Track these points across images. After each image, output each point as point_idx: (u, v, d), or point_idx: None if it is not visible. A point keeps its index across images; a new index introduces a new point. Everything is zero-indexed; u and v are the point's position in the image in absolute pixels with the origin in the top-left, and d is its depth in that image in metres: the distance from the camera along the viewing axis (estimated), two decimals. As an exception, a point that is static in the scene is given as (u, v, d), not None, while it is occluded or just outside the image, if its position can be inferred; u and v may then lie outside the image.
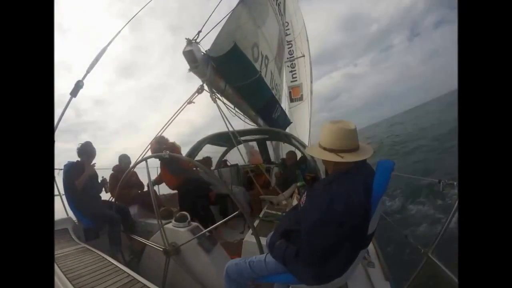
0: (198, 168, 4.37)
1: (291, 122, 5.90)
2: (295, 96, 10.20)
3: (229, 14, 2.85)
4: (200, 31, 2.39)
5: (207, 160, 4.82)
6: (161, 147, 3.24)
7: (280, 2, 5.05)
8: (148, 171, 2.25)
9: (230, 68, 2.82)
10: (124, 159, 3.80)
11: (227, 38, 2.71)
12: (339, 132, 1.25)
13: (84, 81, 2.53)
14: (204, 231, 2.25)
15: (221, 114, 2.59)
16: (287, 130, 5.76)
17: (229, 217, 2.07)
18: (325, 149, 1.26)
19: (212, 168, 5.55)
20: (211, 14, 2.55)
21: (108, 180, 3.44)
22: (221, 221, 2.17)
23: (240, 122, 3.83)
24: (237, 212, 1.95)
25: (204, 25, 2.43)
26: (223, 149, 5.94)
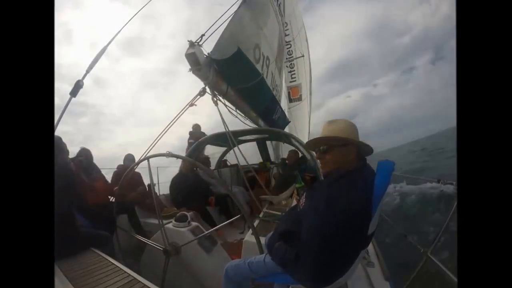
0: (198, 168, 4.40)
1: (290, 122, 5.91)
2: (294, 96, 10.20)
3: (231, 16, 2.85)
4: (203, 35, 2.39)
5: (205, 160, 4.84)
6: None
7: (280, 3, 5.07)
8: (150, 171, 2.25)
9: (232, 71, 2.83)
10: (128, 158, 3.81)
11: (230, 40, 2.72)
12: (353, 126, 1.31)
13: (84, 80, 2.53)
14: (206, 232, 2.26)
15: (221, 115, 2.60)
16: (286, 129, 5.76)
17: (230, 220, 2.08)
18: (347, 140, 1.27)
19: (212, 168, 5.56)
20: (218, 20, 2.55)
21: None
22: (222, 223, 2.19)
23: (241, 123, 3.84)
24: (238, 216, 1.97)
25: (209, 29, 2.43)
26: (223, 149, 5.95)
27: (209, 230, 2.25)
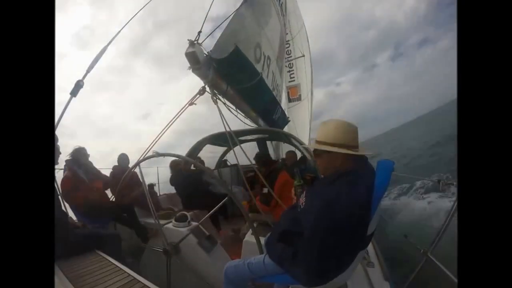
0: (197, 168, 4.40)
1: (289, 121, 5.91)
2: (293, 96, 10.18)
3: (232, 14, 2.85)
4: (200, 32, 2.38)
5: (199, 161, 4.86)
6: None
7: (282, 2, 5.06)
8: (141, 175, 2.26)
9: (231, 70, 2.82)
10: (122, 158, 3.80)
11: (230, 39, 2.71)
12: (348, 128, 1.25)
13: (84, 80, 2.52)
14: (207, 235, 2.27)
15: (221, 115, 2.59)
16: (287, 129, 5.76)
17: (216, 206, 2.13)
18: (334, 145, 1.23)
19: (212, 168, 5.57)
20: (219, 20, 2.54)
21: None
22: (210, 213, 2.22)
23: (241, 123, 3.84)
24: (225, 199, 2.01)
25: (202, 25, 2.42)
26: (223, 149, 5.95)
27: (209, 232, 2.28)
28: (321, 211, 1.14)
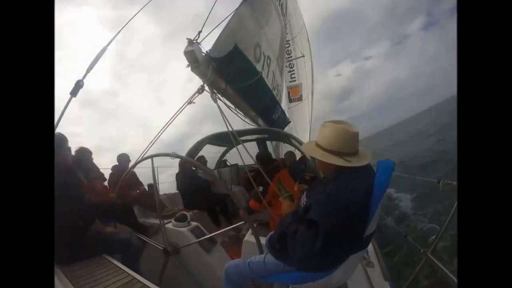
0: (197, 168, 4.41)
1: (290, 122, 5.91)
2: (293, 96, 10.16)
3: (231, 14, 2.85)
4: (200, 31, 2.38)
5: (202, 160, 4.86)
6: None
7: (282, 3, 5.06)
8: (153, 170, 2.25)
9: (230, 69, 2.82)
10: (123, 157, 3.79)
11: (229, 38, 2.71)
12: (345, 134, 1.21)
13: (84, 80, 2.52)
14: (206, 236, 2.27)
15: (222, 115, 2.59)
16: (287, 129, 5.76)
17: (232, 226, 2.11)
18: (327, 150, 1.22)
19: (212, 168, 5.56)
20: (218, 19, 2.55)
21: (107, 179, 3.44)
22: (224, 229, 2.21)
23: (240, 122, 3.84)
24: (240, 223, 1.99)
25: (203, 25, 2.42)
26: (223, 149, 5.95)
27: (211, 234, 2.28)
28: (321, 204, 1.13)
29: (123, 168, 3.52)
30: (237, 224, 2.26)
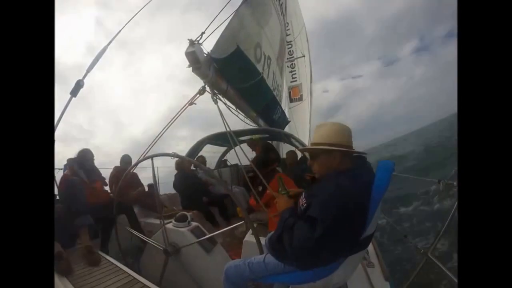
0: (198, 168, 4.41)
1: (290, 121, 5.91)
2: (294, 96, 10.18)
3: (232, 15, 2.85)
4: (203, 33, 2.38)
5: (201, 160, 4.86)
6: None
7: (282, 2, 5.06)
8: (153, 170, 2.25)
9: (232, 70, 2.82)
10: (124, 159, 3.80)
11: (230, 39, 2.71)
12: (346, 129, 1.28)
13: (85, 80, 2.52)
14: (207, 236, 2.27)
15: (221, 116, 2.59)
16: (287, 129, 5.76)
17: (232, 226, 2.11)
18: (330, 145, 1.24)
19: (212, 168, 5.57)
20: (219, 19, 2.55)
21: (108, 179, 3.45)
22: (225, 228, 2.21)
23: (240, 122, 3.84)
24: (240, 223, 1.99)
25: (208, 27, 2.43)
26: (223, 149, 5.95)
27: (211, 234, 2.28)
28: (321, 200, 1.13)
29: (125, 169, 3.52)
30: (237, 224, 2.25)
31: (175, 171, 4.23)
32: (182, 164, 4.06)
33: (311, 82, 10.09)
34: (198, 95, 2.64)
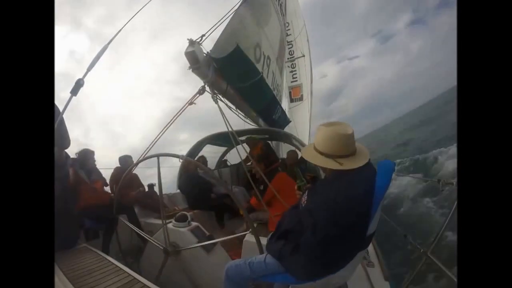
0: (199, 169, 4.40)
1: (290, 121, 5.91)
2: (295, 96, 10.20)
3: (231, 14, 2.85)
4: (204, 35, 2.39)
5: (202, 160, 4.86)
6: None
7: (282, 2, 5.05)
8: (158, 170, 2.25)
9: (232, 70, 2.82)
10: (125, 159, 3.79)
11: (230, 39, 2.71)
12: (336, 137, 1.22)
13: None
14: (208, 235, 2.27)
15: (222, 115, 2.59)
16: (287, 129, 5.76)
17: (238, 234, 2.13)
18: (322, 153, 1.24)
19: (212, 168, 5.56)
20: (219, 19, 2.54)
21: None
22: (232, 236, 2.23)
23: (240, 122, 3.84)
24: (248, 231, 2.00)
25: (211, 28, 2.42)
26: (223, 149, 5.95)
27: (216, 240, 2.30)
28: (322, 207, 1.14)
29: (125, 169, 3.52)
30: (240, 234, 2.26)
31: (178, 172, 4.23)
32: (189, 166, 4.05)
33: (311, 82, 10.10)
34: (197, 95, 2.64)
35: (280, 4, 4.94)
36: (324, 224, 1.11)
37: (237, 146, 2.91)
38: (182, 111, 2.73)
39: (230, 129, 2.55)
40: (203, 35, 2.39)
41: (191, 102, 2.70)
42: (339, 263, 1.22)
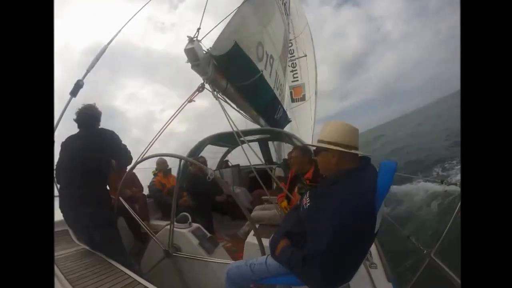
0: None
1: (290, 121, 5.90)
2: (296, 96, 10.15)
3: (233, 12, 2.84)
4: (199, 29, 2.38)
5: (202, 160, 4.85)
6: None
7: (286, 2, 5.03)
8: (179, 170, 2.29)
9: (231, 67, 2.81)
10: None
11: (230, 36, 2.70)
12: (349, 129, 1.28)
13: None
14: (208, 236, 2.26)
15: (225, 112, 2.57)
16: (288, 129, 5.74)
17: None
18: (332, 143, 1.27)
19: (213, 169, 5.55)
20: (224, 20, 2.52)
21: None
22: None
23: (240, 122, 3.83)
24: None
25: (201, 22, 2.40)
26: (224, 149, 5.94)
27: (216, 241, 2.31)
28: (326, 213, 1.14)
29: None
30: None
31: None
32: (196, 167, 4.04)
33: (316, 82, 10.04)
34: (197, 92, 2.63)
35: (284, 4, 4.92)
36: (332, 230, 1.09)
37: (239, 146, 2.89)
38: (182, 108, 2.72)
39: (234, 128, 2.53)
40: (199, 29, 2.38)
41: (190, 100, 2.69)
42: (354, 267, 1.21)
